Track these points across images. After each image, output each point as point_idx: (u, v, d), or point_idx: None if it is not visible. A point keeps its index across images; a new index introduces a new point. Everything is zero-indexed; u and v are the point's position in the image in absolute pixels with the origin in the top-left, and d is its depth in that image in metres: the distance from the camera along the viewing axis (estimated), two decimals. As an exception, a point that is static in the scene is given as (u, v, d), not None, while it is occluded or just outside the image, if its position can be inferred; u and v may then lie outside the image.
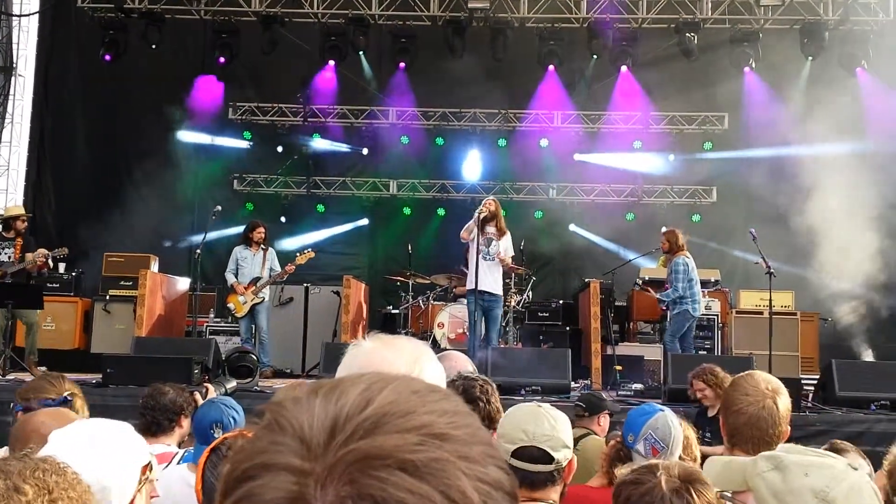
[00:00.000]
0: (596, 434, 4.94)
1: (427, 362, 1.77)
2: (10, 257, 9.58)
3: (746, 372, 3.01)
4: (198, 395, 5.10)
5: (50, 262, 9.99)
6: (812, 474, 1.34)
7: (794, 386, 7.62)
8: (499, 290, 9.47)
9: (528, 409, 2.60)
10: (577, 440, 4.63)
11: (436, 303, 11.73)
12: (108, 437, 2.13)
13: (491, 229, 9.27)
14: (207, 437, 3.59)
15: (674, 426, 3.17)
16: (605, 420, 5.24)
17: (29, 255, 9.46)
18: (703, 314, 11.03)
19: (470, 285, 9.23)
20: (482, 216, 9.11)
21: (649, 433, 3.14)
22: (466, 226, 9.27)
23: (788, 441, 3.36)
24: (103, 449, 2.07)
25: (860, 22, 12.59)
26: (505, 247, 9.39)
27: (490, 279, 9.19)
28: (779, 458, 1.40)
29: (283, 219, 14.14)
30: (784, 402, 2.87)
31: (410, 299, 11.80)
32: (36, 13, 14.41)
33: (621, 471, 2.49)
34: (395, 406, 0.68)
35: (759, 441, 2.78)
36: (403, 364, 1.70)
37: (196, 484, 2.74)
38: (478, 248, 9.04)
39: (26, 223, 9.91)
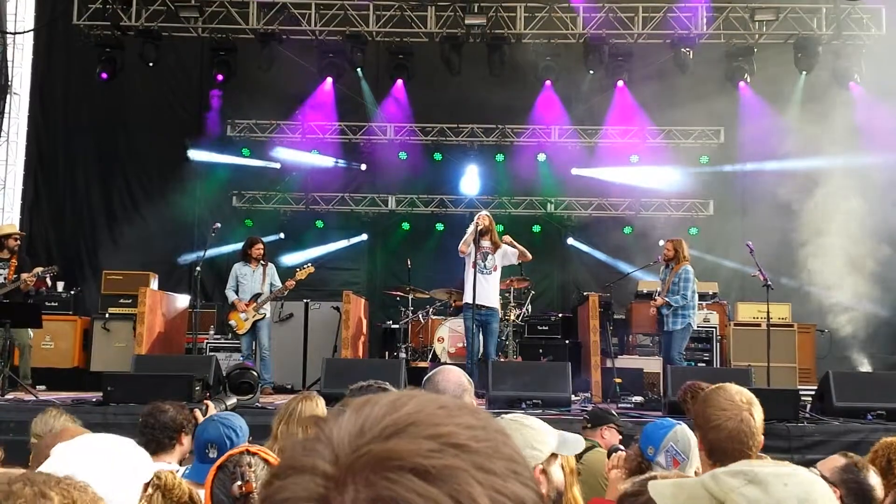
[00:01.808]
0: (600, 447, 5.01)
1: None
2: (4, 278, 9.58)
3: (716, 385, 2.98)
4: (198, 413, 5.11)
5: (48, 280, 9.99)
6: (790, 483, 1.36)
7: (792, 397, 7.69)
8: (496, 304, 9.52)
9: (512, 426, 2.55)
10: (581, 453, 4.72)
11: (435, 317, 11.77)
12: (113, 450, 2.16)
13: (486, 243, 9.33)
14: (203, 456, 3.62)
15: (692, 438, 3.22)
16: (608, 433, 5.33)
17: (23, 275, 9.48)
18: (701, 326, 11.11)
19: (466, 300, 9.27)
20: (479, 229, 9.17)
21: (670, 445, 3.18)
22: (464, 238, 9.33)
23: (765, 451, 3.37)
24: (108, 462, 2.09)
25: (853, 36, 12.68)
26: (499, 258, 9.44)
27: (487, 293, 9.23)
28: (749, 472, 1.39)
29: (282, 235, 14.17)
30: (758, 412, 2.85)
31: (410, 314, 11.82)
32: (31, 31, 14.44)
33: (623, 485, 2.51)
34: (417, 416, 0.70)
35: (739, 454, 2.73)
36: None
37: (205, 501, 2.77)
38: (474, 262, 9.09)
39: (19, 241, 9.87)
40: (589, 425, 5.37)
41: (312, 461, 0.69)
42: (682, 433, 3.21)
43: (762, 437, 2.85)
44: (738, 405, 2.81)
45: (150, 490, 2.74)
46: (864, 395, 7.78)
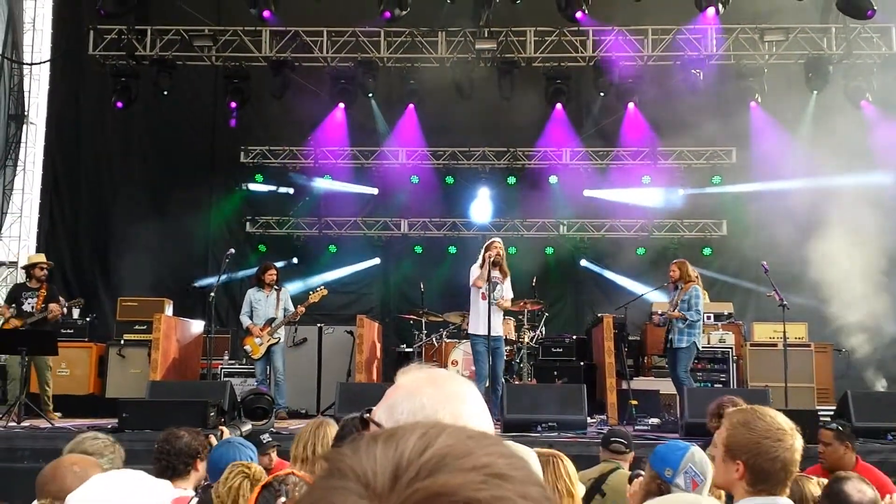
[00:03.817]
0: (623, 468, 5.01)
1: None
2: (32, 307, 9.67)
3: (763, 411, 2.86)
4: (213, 439, 5.12)
5: (65, 309, 10.07)
6: None
7: (810, 417, 7.61)
8: (502, 332, 9.58)
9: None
10: (606, 474, 4.75)
11: (449, 340, 11.73)
12: (147, 490, 2.17)
13: (496, 273, 9.26)
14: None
15: (707, 459, 3.23)
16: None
17: (51, 306, 9.58)
18: (717, 347, 11.03)
19: (476, 328, 9.21)
20: (492, 261, 9.10)
21: (689, 467, 3.17)
22: (479, 274, 9.20)
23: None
24: (140, 500, 2.10)
25: (863, 55, 12.67)
26: (506, 289, 9.43)
27: (496, 323, 9.21)
28: None
29: (295, 260, 14.22)
30: (801, 438, 2.83)
31: (424, 337, 11.80)
32: (47, 61, 14.65)
33: None
34: (453, 449, 0.71)
35: (786, 480, 2.74)
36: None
37: None
38: (487, 292, 9.04)
39: (45, 271, 9.97)
40: (627, 451, 5.33)
41: (352, 500, 0.68)
42: (700, 454, 3.21)
43: None
44: (790, 434, 2.75)
45: (238, 479, 3.03)
46: (884, 414, 7.72)
